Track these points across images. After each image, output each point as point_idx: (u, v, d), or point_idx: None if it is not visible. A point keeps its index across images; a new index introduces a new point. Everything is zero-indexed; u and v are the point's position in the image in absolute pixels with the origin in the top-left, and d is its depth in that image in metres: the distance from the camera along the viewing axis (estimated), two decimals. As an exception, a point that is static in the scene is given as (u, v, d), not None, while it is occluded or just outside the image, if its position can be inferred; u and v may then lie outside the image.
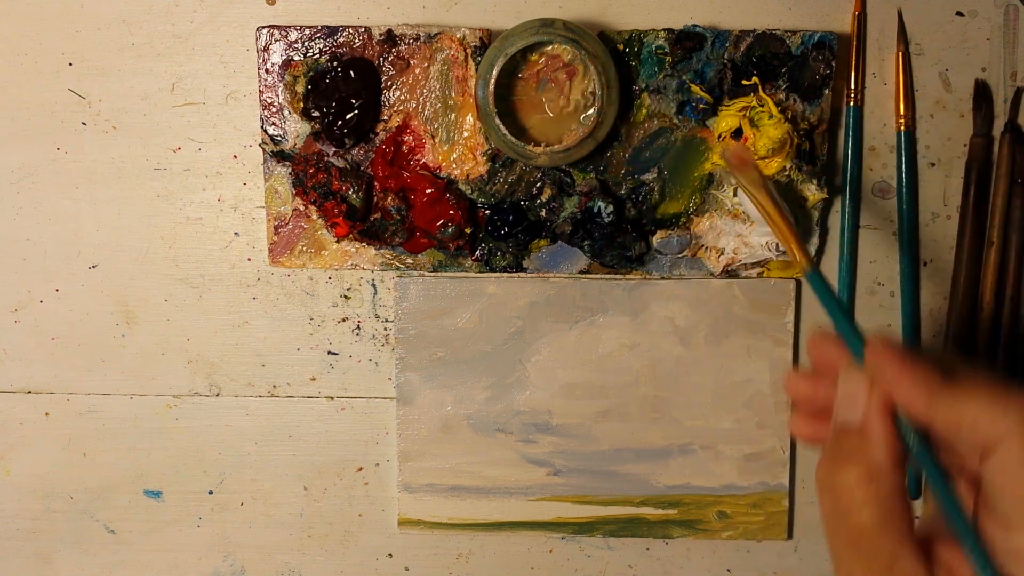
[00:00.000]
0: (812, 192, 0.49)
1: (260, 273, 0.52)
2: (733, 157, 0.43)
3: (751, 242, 0.50)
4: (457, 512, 0.54)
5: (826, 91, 0.49)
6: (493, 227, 0.50)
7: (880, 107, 0.50)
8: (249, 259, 0.52)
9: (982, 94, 0.50)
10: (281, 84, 0.49)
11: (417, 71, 0.49)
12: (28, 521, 0.55)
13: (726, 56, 0.49)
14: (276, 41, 0.49)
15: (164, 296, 0.53)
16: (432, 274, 0.52)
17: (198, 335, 0.53)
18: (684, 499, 0.53)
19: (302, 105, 0.49)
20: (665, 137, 0.50)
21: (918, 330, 0.52)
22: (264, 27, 0.49)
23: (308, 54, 0.49)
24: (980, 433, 0.29)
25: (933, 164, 0.51)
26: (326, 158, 0.50)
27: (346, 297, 0.52)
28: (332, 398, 0.53)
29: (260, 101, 0.50)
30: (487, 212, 0.50)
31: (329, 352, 0.53)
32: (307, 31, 0.49)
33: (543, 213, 0.50)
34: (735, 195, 0.49)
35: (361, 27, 0.49)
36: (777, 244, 0.49)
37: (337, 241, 0.51)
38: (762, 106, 0.48)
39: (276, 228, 0.51)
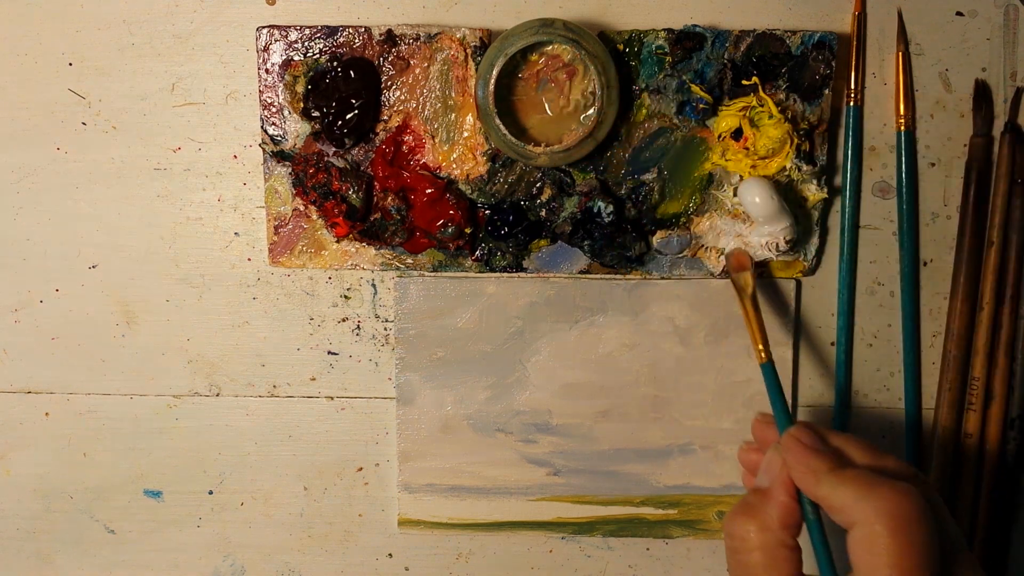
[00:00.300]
0: (812, 192, 0.49)
1: (260, 273, 0.52)
2: (734, 260, 0.49)
3: (751, 242, 0.50)
4: (457, 512, 0.54)
5: (826, 91, 0.49)
6: (493, 227, 0.50)
7: (880, 107, 0.50)
8: (249, 259, 0.52)
9: (982, 94, 0.50)
10: (281, 84, 0.49)
11: (417, 71, 0.49)
12: (28, 521, 0.55)
13: (726, 56, 0.48)
14: (276, 41, 0.49)
15: (164, 296, 0.53)
16: (432, 274, 0.52)
17: (198, 335, 0.53)
18: (684, 499, 0.53)
19: (302, 105, 0.49)
20: (665, 137, 0.50)
21: (918, 330, 0.52)
22: (264, 27, 0.49)
23: (308, 54, 0.49)
24: (845, 514, 0.37)
25: (933, 164, 0.51)
26: (326, 158, 0.50)
27: (346, 297, 0.52)
28: (332, 398, 0.53)
29: (260, 101, 0.50)
30: (487, 212, 0.50)
31: (329, 352, 0.53)
32: (307, 31, 0.49)
33: (543, 213, 0.50)
34: (735, 195, 0.49)
35: (361, 27, 0.49)
36: (777, 244, 0.49)
37: (337, 241, 0.51)
38: (762, 106, 0.48)
39: (276, 228, 0.51)
